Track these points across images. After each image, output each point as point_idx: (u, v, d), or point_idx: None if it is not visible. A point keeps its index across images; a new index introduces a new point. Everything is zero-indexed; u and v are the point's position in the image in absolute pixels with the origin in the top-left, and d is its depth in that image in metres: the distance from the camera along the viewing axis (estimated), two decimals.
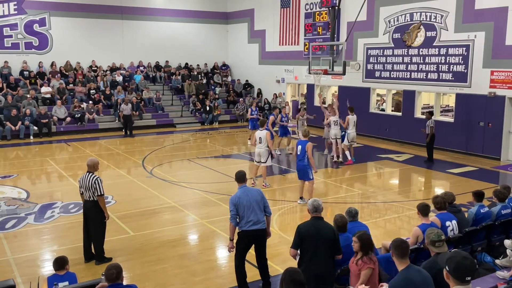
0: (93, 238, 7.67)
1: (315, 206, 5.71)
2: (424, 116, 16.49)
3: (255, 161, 12.33)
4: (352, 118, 14.98)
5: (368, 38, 19.50)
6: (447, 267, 3.55)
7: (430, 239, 5.03)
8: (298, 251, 5.65)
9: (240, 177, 6.63)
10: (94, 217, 7.61)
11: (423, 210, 6.23)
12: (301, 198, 10.82)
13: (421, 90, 17.92)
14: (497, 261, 6.26)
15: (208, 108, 24.15)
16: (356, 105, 17.62)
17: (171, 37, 26.73)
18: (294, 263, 5.73)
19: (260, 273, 6.67)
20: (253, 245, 6.58)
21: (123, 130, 21.02)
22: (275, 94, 25.01)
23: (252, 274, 6.74)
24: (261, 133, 11.98)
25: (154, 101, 24.08)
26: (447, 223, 6.37)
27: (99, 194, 7.46)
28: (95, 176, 7.53)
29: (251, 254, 6.68)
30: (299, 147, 10.49)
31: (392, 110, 19.73)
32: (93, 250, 7.74)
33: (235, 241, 6.50)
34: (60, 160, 16.05)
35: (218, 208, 10.51)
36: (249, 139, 19.14)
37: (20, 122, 19.62)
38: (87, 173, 7.56)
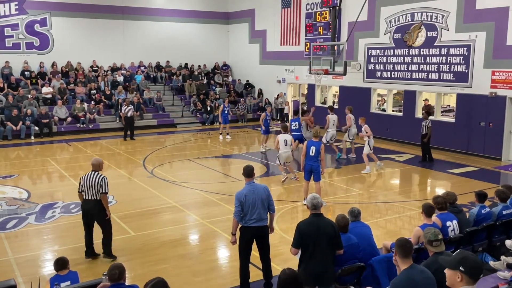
0: (105, 236, 7.78)
1: (314, 204, 5.66)
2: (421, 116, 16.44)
3: (283, 163, 12.54)
4: (331, 117, 15.17)
5: (369, 38, 19.50)
6: (461, 268, 3.40)
7: (428, 238, 5.03)
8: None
9: (248, 172, 6.63)
10: (102, 216, 7.71)
11: (428, 210, 6.22)
12: (306, 199, 10.82)
13: (422, 90, 17.91)
14: (491, 263, 6.28)
15: (208, 108, 24.16)
16: (357, 105, 17.68)
17: (171, 37, 26.74)
18: (295, 263, 5.73)
19: (263, 273, 6.68)
20: (257, 244, 6.59)
21: (124, 133, 19.79)
22: (279, 94, 25.04)
23: (253, 274, 6.73)
24: (287, 136, 12.29)
25: (155, 101, 24.09)
26: (448, 223, 6.38)
27: (103, 191, 7.56)
28: (101, 175, 7.63)
29: (254, 256, 6.68)
30: (313, 148, 10.26)
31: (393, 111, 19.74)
32: (94, 249, 7.79)
33: (237, 236, 6.54)
34: (61, 160, 16.06)
35: (219, 208, 10.51)
36: (220, 133, 20.02)
37: (21, 122, 19.64)
38: (92, 172, 7.63)
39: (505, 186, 7.53)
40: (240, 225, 6.48)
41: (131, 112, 19.82)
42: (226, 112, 20.01)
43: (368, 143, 14.00)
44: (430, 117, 15.64)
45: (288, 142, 12.07)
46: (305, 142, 10.71)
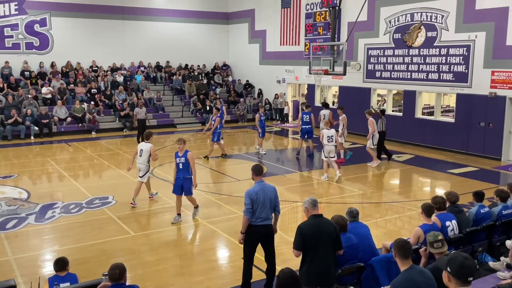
0: None
1: (313, 199, 5.70)
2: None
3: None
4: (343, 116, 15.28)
5: (369, 38, 19.50)
6: (449, 269, 3.47)
7: (428, 240, 5.06)
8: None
9: (258, 171, 6.60)
10: None
11: (428, 210, 6.22)
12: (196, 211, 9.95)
13: (421, 90, 17.91)
14: (490, 263, 6.28)
15: (208, 108, 24.14)
16: (357, 105, 17.66)
17: (171, 37, 26.74)
18: (295, 263, 5.73)
19: (267, 273, 6.67)
20: (262, 244, 6.59)
21: (137, 136, 18.81)
22: (277, 94, 25.04)
23: (254, 274, 6.72)
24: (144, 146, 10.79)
25: (155, 101, 24.09)
26: (447, 223, 6.37)
27: None
28: None
29: (258, 259, 6.68)
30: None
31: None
32: None
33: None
34: (61, 160, 16.06)
35: (219, 209, 10.50)
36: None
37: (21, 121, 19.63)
38: None
39: (509, 185, 7.54)
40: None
41: (143, 114, 19.02)
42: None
43: (323, 150, 12.98)
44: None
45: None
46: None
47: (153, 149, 10.53)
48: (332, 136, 12.66)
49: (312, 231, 5.46)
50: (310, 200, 5.73)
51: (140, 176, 10.60)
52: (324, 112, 15.98)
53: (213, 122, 15.36)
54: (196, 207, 9.84)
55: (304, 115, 15.89)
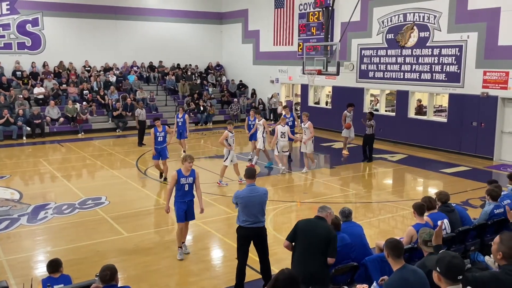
0: None
1: (325, 206, 5.81)
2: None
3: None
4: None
5: (362, 39, 19.56)
6: (438, 269, 3.51)
7: (422, 238, 5.07)
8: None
9: (250, 174, 6.64)
10: None
11: (419, 209, 6.24)
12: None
13: (414, 90, 18.00)
14: (487, 257, 6.31)
15: (202, 108, 24.13)
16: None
17: (164, 37, 26.65)
18: (288, 263, 5.74)
19: (262, 274, 6.68)
20: (254, 245, 6.63)
21: (138, 138, 18.31)
22: (274, 93, 25.02)
23: (248, 274, 6.73)
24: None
25: (148, 101, 24.01)
26: (439, 222, 6.39)
27: None
28: None
29: (251, 259, 6.68)
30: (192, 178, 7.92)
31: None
32: None
33: (235, 236, 6.61)
34: (53, 160, 15.97)
35: (213, 209, 10.48)
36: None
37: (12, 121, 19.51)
38: None
39: (494, 185, 7.57)
40: (237, 225, 6.54)
41: (144, 116, 18.56)
42: (180, 124, 16.11)
43: (277, 145, 13.89)
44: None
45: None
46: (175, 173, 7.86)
47: (224, 135, 12.24)
48: (285, 132, 13.89)
49: (306, 227, 5.54)
50: (322, 206, 5.85)
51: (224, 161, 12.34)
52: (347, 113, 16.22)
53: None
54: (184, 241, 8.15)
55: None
